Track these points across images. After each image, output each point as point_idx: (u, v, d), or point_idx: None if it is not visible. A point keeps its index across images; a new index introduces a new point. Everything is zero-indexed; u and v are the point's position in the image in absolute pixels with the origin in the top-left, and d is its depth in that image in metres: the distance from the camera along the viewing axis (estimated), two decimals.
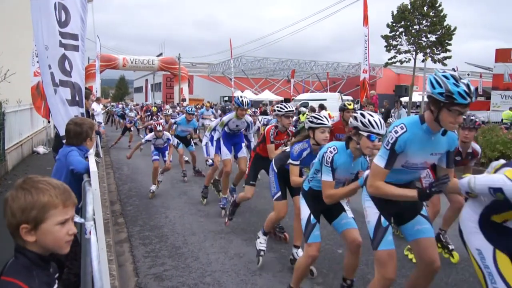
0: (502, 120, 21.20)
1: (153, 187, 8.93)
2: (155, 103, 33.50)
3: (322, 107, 16.18)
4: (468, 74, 21.06)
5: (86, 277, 2.93)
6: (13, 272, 1.62)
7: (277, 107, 6.28)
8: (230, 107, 24.66)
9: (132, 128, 19.88)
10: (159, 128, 9.37)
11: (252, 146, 7.48)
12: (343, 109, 7.92)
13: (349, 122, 3.82)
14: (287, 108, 6.16)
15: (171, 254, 5.58)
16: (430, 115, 3.02)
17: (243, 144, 8.05)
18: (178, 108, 24.35)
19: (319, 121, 4.64)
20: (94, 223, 2.97)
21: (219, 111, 23.17)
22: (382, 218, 3.36)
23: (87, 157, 4.11)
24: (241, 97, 7.46)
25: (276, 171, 5.39)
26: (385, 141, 3.15)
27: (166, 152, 9.58)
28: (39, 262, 1.69)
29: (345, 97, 36.28)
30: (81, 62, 5.46)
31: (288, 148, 5.21)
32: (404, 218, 3.53)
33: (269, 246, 5.88)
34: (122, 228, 6.75)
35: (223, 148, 7.72)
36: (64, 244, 1.74)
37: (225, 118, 7.60)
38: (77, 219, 2.38)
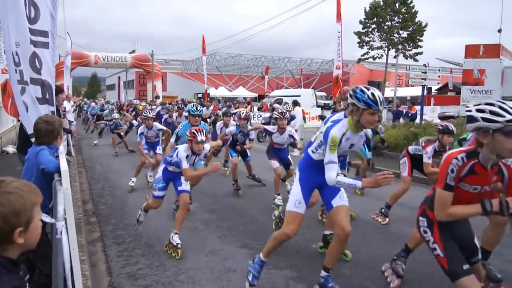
0: None
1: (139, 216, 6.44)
2: (131, 99, 30.50)
3: (296, 103, 16.25)
4: (439, 70, 21.35)
5: (58, 278, 2.90)
6: None
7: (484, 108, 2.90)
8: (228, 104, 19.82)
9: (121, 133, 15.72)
10: (201, 137, 5.60)
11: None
12: (444, 131, 6.15)
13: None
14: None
15: (145, 253, 5.55)
16: None
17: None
18: (166, 106, 19.76)
19: None
20: (66, 223, 2.94)
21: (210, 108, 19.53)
22: None
23: (57, 156, 4.05)
24: (367, 88, 3.88)
25: None
26: None
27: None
28: (9, 266, 1.69)
29: (318, 93, 36.50)
30: (51, 59, 5.38)
31: None
32: None
33: (244, 242, 5.92)
34: (95, 228, 6.67)
35: (297, 192, 4.26)
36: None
37: (336, 133, 3.86)
38: (48, 219, 2.35)
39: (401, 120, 16.77)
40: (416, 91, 28.61)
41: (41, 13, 5.17)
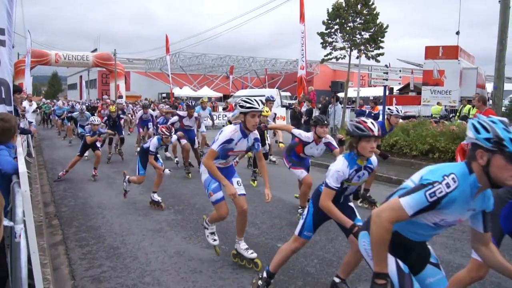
0: (431, 114, 22.24)
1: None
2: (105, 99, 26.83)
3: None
4: (400, 71, 21.84)
5: (17, 282, 2.81)
6: None
7: None
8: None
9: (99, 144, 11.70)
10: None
11: None
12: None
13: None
14: None
15: (109, 255, 5.45)
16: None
17: None
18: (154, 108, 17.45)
19: None
20: (25, 225, 2.86)
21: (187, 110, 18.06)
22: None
23: (16, 157, 3.94)
24: None
25: None
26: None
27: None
28: None
29: (283, 93, 36.76)
30: (8, 57, 5.23)
31: None
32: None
33: (209, 243, 5.86)
34: (57, 230, 6.50)
35: None
36: None
37: None
38: (6, 222, 2.28)
39: None
40: (379, 91, 29.20)
41: None
